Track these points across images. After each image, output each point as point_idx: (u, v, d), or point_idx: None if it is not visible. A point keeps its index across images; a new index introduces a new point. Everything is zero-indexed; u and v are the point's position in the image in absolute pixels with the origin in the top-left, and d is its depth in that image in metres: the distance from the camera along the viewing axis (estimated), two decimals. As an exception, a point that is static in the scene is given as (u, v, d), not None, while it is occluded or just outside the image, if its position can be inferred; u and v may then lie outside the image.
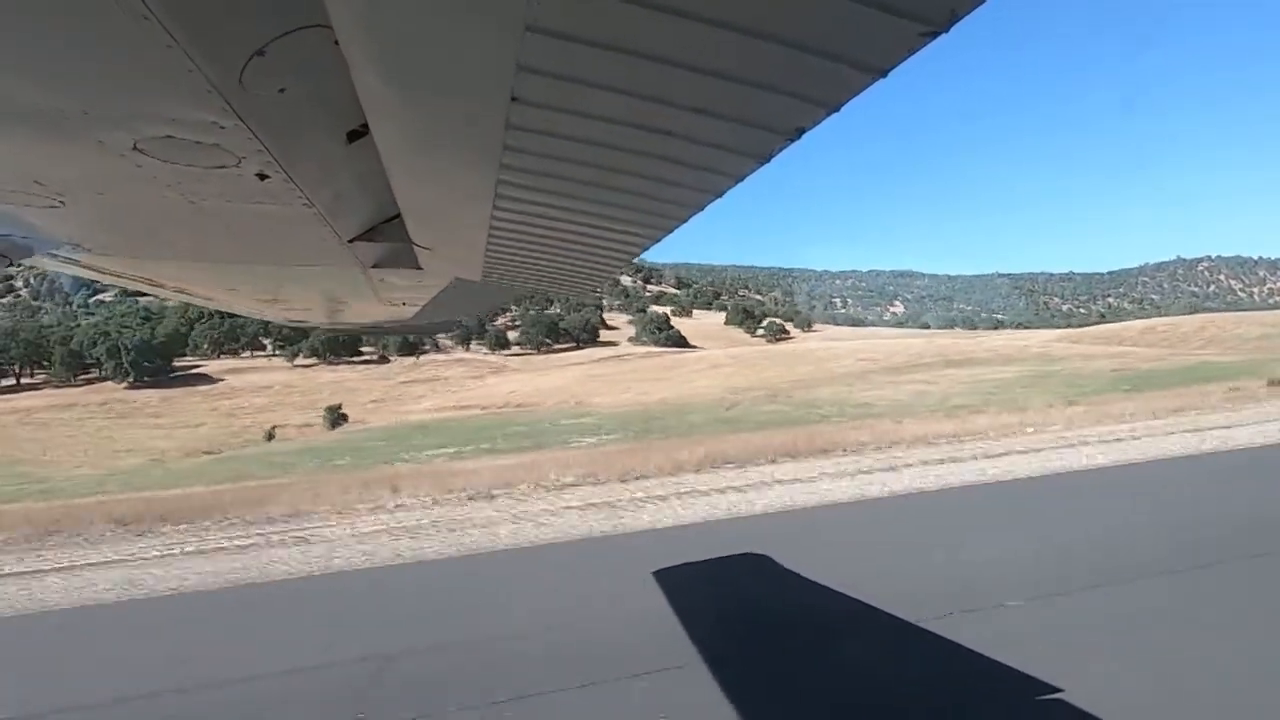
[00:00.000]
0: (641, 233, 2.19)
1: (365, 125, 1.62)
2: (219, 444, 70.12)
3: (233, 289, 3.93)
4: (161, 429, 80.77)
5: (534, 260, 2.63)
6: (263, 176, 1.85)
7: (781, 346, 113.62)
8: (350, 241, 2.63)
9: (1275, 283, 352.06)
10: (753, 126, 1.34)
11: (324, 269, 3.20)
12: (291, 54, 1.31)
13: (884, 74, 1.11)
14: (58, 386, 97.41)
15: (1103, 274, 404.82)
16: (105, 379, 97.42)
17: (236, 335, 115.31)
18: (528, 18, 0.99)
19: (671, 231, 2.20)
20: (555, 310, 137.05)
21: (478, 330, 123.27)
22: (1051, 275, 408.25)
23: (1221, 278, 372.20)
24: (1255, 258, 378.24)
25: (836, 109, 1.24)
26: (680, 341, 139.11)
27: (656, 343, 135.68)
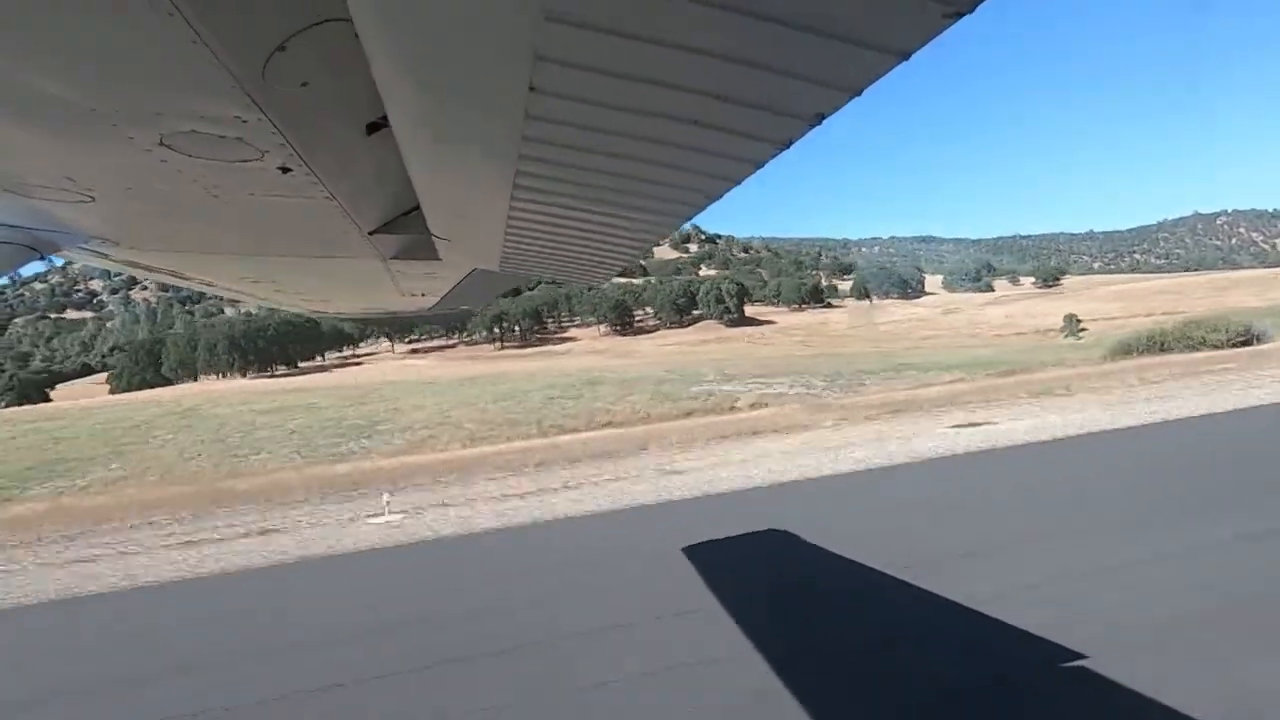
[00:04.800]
0: (660, 220, 2.18)
1: (385, 118, 1.63)
2: (984, 344, 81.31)
3: (255, 281, 3.99)
4: (926, 342, 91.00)
5: (553, 249, 2.64)
6: (285, 170, 1.87)
7: (1121, 287, 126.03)
8: (371, 234, 2.66)
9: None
10: (774, 113, 1.32)
11: (345, 261, 3.23)
12: (312, 48, 1.32)
13: (906, 57, 1.09)
14: (668, 327, 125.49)
15: (1124, 231, 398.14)
16: (704, 318, 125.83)
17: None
18: (547, 8, 0.99)
19: (690, 218, 2.19)
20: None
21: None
22: (1073, 235, 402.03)
23: (1242, 230, 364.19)
24: (1272, 210, 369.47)
25: (858, 93, 1.22)
26: (988, 288, 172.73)
27: (969, 291, 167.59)
